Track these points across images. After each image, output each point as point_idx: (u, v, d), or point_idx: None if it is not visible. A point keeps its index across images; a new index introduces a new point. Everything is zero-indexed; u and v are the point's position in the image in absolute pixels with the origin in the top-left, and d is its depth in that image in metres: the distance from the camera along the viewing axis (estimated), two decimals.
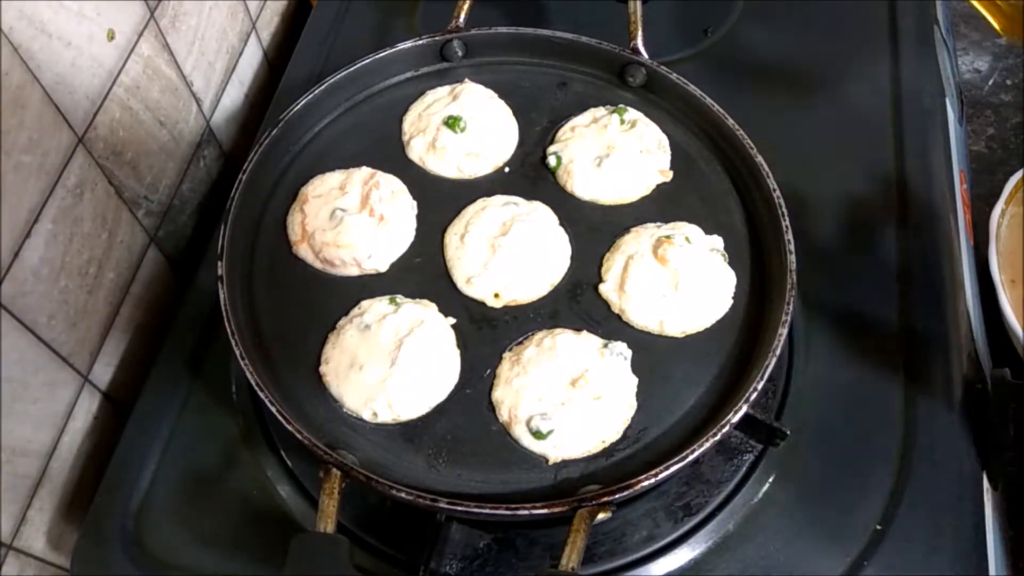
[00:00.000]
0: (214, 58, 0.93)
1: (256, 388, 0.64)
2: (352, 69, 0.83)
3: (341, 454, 0.63)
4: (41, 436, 0.73)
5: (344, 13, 1.04)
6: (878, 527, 0.67)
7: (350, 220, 0.74)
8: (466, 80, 0.85)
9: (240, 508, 0.72)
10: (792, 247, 0.70)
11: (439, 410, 0.68)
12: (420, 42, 0.86)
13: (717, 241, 0.74)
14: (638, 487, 0.60)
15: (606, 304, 0.72)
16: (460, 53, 0.87)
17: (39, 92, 0.66)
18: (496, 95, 0.84)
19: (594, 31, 0.85)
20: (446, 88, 0.84)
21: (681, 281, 0.70)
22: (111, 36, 0.75)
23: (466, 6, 0.86)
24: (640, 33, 0.83)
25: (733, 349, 0.70)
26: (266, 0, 1.05)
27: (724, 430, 0.62)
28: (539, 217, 0.76)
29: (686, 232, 0.73)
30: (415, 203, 0.78)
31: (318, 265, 0.75)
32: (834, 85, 0.93)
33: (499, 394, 0.68)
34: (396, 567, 0.67)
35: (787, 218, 0.71)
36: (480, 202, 0.77)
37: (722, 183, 0.79)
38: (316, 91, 0.81)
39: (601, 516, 0.60)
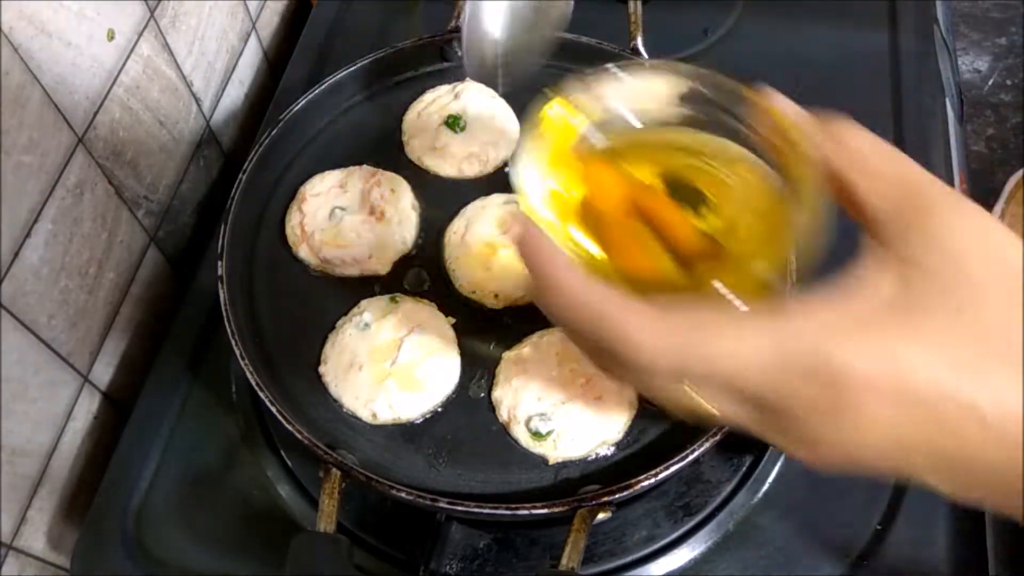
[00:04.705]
0: (214, 58, 0.93)
1: (256, 388, 0.64)
2: (352, 69, 0.83)
3: (341, 454, 0.63)
4: (41, 436, 0.73)
5: (344, 13, 1.04)
6: (878, 527, 0.67)
7: (349, 219, 0.74)
8: (467, 79, 0.84)
9: (240, 508, 0.72)
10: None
11: (439, 410, 0.68)
12: (420, 42, 0.86)
13: None
14: (638, 487, 0.60)
15: None
16: (460, 53, 0.87)
17: (39, 92, 0.66)
18: (497, 95, 0.84)
19: (594, 31, 0.84)
20: (446, 87, 0.84)
21: None
22: (111, 36, 0.75)
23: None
24: (640, 33, 0.83)
25: None
26: (266, 0, 1.04)
27: (724, 430, 0.62)
28: None
29: None
30: (415, 203, 0.78)
31: (318, 265, 0.75)
32: (833, 84, 0.93)
33: (499, 394, 0.67)
34: (396, 567, 0.67)
35: None
36: (480, 202, 0.77)
37: None
38: (316, 91, 0.81)
39: (601, 516, 0.60)
